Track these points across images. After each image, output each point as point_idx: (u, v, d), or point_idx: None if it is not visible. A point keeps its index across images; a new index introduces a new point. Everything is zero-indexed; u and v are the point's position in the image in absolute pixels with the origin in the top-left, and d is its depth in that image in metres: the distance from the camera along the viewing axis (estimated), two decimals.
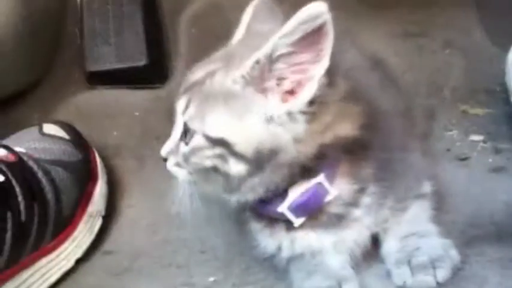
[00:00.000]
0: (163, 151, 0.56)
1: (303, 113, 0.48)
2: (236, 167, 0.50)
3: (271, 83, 0.48)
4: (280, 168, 0.50)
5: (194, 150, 0.52)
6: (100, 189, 0.72)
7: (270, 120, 0.48)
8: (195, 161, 0.53)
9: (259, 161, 0.50)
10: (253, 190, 0.52)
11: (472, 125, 0.82)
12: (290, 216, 0.53)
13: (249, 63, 0.48)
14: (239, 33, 0.58)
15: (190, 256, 0.64)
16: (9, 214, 0.55)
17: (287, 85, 0.48)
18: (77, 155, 0.72)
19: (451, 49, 0.96)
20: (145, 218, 0.74)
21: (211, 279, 0.60)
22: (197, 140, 0.51)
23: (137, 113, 0.96)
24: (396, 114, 0.63)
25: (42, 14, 0.94)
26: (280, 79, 0.48)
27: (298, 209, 0.52)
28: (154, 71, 1.00)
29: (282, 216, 0.53)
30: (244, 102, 0.49)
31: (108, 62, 0.97)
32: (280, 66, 0.47)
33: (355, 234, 0.55)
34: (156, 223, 0.72)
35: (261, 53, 0.47)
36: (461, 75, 0.92)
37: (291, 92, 0.48)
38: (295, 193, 0.52)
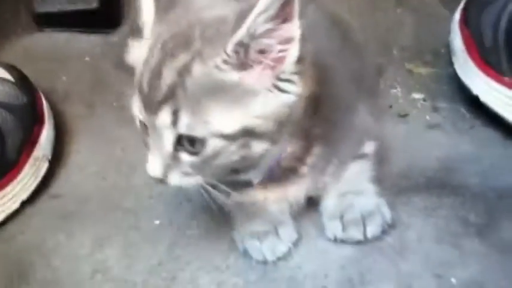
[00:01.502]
0: (156, 172, 0.50)
1: (295, 73, 0.48)
2: (259, 147, 0.49)
3: (257, 58, 0.46)
4: (295, 129, 0.50)
5: (215, 155, 0.48)
6: (47, 133, 0.72)
7: (271, 90, 0.47)
8: (219, 163, 0.49)
9: (280, 130, 0.48)
10: (270, 160, 0.51)
11: (415, 84, 0.85)
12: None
13: (230, 46, 0.45)
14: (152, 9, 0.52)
15: (138, 201, 0.66)
16: None
17: (274, 55, 0.46)
18: (22, 98, 0.70)
19: (403, 8, 0.98)
20: (94, 164, 0.74)
21: (157, 222, 0.62)
22: (214, 144, 0.47)
23: (87, 58, 0.94)
24: (348, 75, 0.64)
25: None
26: (265, 52, 0.46)
27: None
28: (105, 15, 0.97)
29: None
30: (240, 84, 0.46)
31: (58, 3, 0.94)
32: (263, 41, 0.45)
33: (294, 191, 0.57)
34: (105, 169, 0.73)
35: (240, 34, 0.44)
36: (411, 35, 0.94)
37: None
38: None
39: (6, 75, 0.72)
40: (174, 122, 0.46)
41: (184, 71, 0.45)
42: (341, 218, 0.56)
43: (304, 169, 0.56)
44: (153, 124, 0.48)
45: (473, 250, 0.53)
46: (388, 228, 0.55)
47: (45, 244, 0.61)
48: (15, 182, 0.65)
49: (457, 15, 0.81)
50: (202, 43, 0.46)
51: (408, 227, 0.56)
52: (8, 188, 0.64)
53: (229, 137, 0.47)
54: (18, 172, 0.65)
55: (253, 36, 0.45)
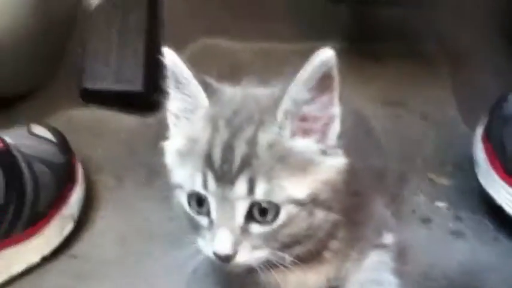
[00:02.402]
0: (226, 248, 0.49)
1: (339, 147, 0.52)
2: (320, 215, 0.51)
3: (304, 125, 0.50)
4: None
5: (288, 222, 0.49)
6: (77, 195, 0.74)
7: (326, 156, 0.51)
8: (289, 232, 0.50)
9: (334, 197, 0.51)
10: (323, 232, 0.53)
11: (437, 193, 0.87)
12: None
13: (279, 113, 0.49)
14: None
15: (154, 269, 0.66)
16: None
17: (319, 123, 0.50)
18: (61, 157, 0.74)
19: (426, 122, 1.03)
20: (116, 230, 0.75)
21: None
22: (288, 210, 0.49)
23: (124, 135, 1.00)
24: (368, 168, 0.66)
25: (49, 27, 0.99)
26: (309, 120, 0.50)
27: None
28: (147, 99, 1.04)
29: None
30: (301, 151, 0.50)
31: (105, 81, 1.02)
32: (305, 109, 0.50)
33: (315, 277, 0.56)
34: (125, 236, 0.74)
35: (285, 102, 0.49)
36: (433, 146, 0.98)
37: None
38: None
39: (50, 136, 0.77)
40: (250, 190, 0.48)
41: (253, 141, 0.49)
42: None
43: (328, 254, 0.56)
44: (225, 196, 0.49)
45: None
46: None
47: None
48: (40, 235, 0.66)
49: (479, 130, 0.86)
50: (260, 114, 0.51)
51: None
52: (32, 240, 0.65)
53: (301, 203, 0.49)
54: (45, 226, 0.67)
55: (296, 104, 0.49)
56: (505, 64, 1.10)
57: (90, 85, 1.02)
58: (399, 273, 0.59)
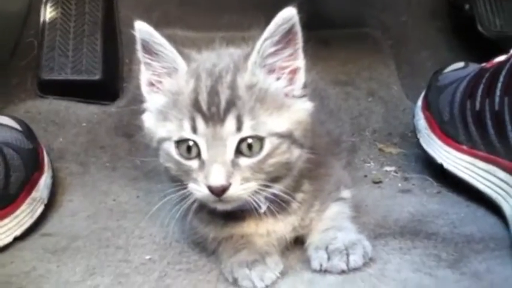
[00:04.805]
0: (221, 180, 0.54)
1: (305, 95, 0.59)
2: (296, 153, 0.58)
3: (275, 75, 0.57)
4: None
5: (271, 153, 0.56)
6: (45, 180, 0.76)
7: (297, 99, 0.58)
8: (274, 161, 0.56)
9: (306, 137, 0.58)
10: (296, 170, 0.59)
11: (386, 160, 0.95)
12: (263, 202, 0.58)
13: (249, 65, 0.56)
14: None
15: (129, 240, 0.69)
16: None
17: (287, 73, 0.58)
18: (28, 144, 0.76)
19: (373, 98, 1.11)
20: (86, 210, 0.77)
21: (147, 257, 0.64)
22: (271, 142, 0.56)
23: (84, 124, 1.01)
24: (325, 131, 0.74)
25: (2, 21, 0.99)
26: (278, 69, 0.57)
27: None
28: (106, 88, 1.06)
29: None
30: (277, 91, 0.57)
31: (63, 72, 1.03)
32: (271, 60, 0.57)
33: (283, 227, 0.62)
34: (96, 215, 0.76)
35: (253, 57, 0.56)
36: (380, 120, 1.07)
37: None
38: None
39: (15, 125, 0.78)
40: (239, 127, 0.55)
41: (233, 85, 0.56)
42: (326, 248, 0.59)
43: (295, 205, 0.62)
44: (215, 135, 0.55)
45: (446, 277, 0.57)
46: (368, 261, 0.59)
47: (35, 271, 0.61)
48: (12, 216, 0.67)
49: (419, 102, 0.94)
50: (234, 63, 0.58)
51: (387, 262, 0.60)
52: (5, 221, 0.66)
53: (281, 135, 0.56)
54: (16, 208, 0.68)
55: (262, 57, 0.56)
56: (440, 44, 1.20)
57: (47, 76, 1.03)
58: (354, 221, 0.66)
